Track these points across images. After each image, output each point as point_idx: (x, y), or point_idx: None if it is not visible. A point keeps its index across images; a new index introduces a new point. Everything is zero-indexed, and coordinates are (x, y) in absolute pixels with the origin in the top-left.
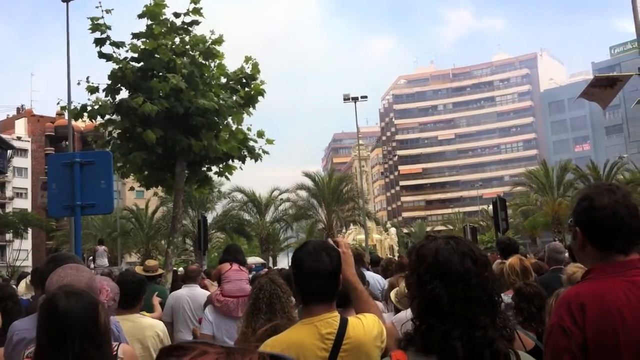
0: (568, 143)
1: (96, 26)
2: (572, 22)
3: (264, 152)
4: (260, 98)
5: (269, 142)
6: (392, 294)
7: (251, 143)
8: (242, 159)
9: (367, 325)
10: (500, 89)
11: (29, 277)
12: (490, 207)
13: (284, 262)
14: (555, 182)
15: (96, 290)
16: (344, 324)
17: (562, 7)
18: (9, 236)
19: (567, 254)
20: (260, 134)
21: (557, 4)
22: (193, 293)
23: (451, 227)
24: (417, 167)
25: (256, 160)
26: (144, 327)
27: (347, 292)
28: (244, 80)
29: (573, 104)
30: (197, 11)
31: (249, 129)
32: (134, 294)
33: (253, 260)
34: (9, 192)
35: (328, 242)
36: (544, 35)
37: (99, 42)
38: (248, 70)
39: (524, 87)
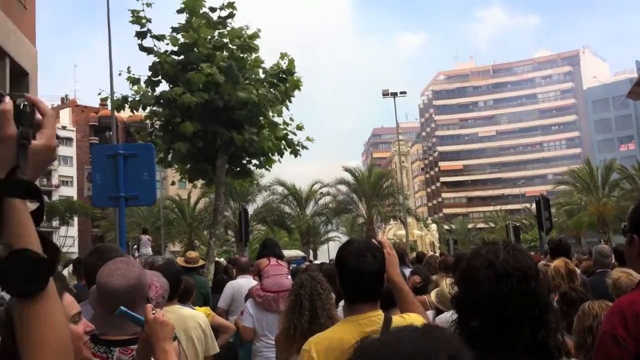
0: (613, 142)
1: (137, 19)
2: (615, 19)
3: (303, 147)
4: (297, 92)
5: (309, 139)
6: (433, 294)
7: (290, 136)
8: (281, 153)
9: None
10: (542, 86)
11: (71, 266)
12: (533, 205)
13: (324, 255)
14: (600, 182)
15: (146, 285)
16: (387, 322)
17: (604, 4)
18: (55, 223)
19: (613, 258)
20: (300, 127)
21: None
22: (251, 283)
23: (493, 225)
24: (457, 164)
25: (295, 156)
26: (186, 317)
27: (390, 293)
28: (282, 75)
29: (618, 102)
30: (230, 5)
31: (291, 119)
32: (173, 286)
33: (293, 253)
34: (55, 180)
35: (372, 241)
36: (586, 32)
37: (140, 35)
38: (284, 67)
39: (566, 85)
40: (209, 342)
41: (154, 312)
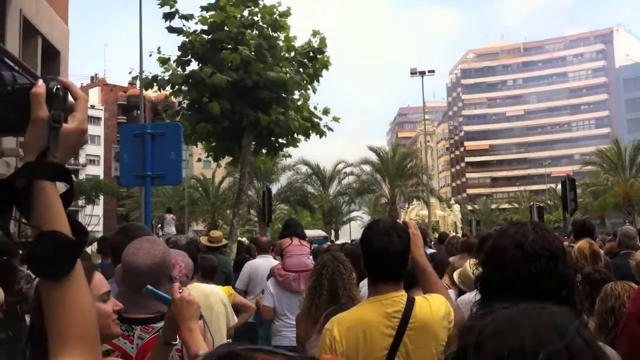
0: None
1: (165, 0)
2: None
3: (328, 128)
4: (324, 72)
5: (335, 119)
6: (456, 275)
7: (316, 119)
8: (307, 135)
9: (434, 306)
10: (573, 65)
11: (95, 244)
12: (559, 186)
13: (346, 235)
14: (627, 162)
15: (170, 264)
16: (410, 303)
17: None
18: (81, 202)
19: (638, 239)
20: (326, 111)
21: None
22: (270, 263)
23: (517, 205)
24: (483, 144)
25: (321, 137)
26: (207, 294)
27: (413, 273)
28: (312, 54)
29: None
30: None
31: (315, 107)
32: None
33: (315, 233)
34: (82, 159)
35: (397, 222)
36: (621, 9)
37: (168, 16)
38: (315, 44)
39: (598, 63)
40: (229, 315)
41: (180, 291)
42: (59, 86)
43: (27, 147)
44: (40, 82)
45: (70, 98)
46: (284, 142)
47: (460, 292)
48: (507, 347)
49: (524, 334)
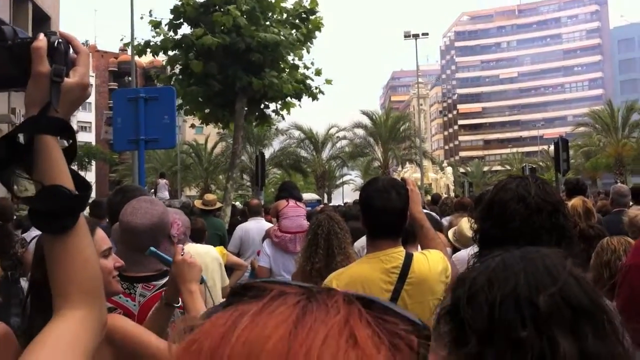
0: (636, 83)
1: None
2: None
3: (320, 91)
4: (317, 33)
5: (328, 82)
6: (450, 233)
7: (309, 81)
8: (299, 97)
9: (432, 261)
10: (567, 26)
11: (86, 210)
12: (551, 147)
13: (338, 198)
14: (620, 123)
15: (168, 224)
16: (408, 258)
17: None
18: (74, 168)
19: (630, 197)
20: (318, 72)
21: None
22: (261, 226)
23: (509, 168)
24: (476, 106)
25: (313, 99)
26: (202, 254)
27: (410, 229)
28: (304, 15)
29: None
30: None
31: (312, 63)
32: None
33: (309, 196)
34: (74, 126)
35: (396, 179)
36: None
37: None
38: (307, 4)
39: (592, 24)
40: (223, 275)
41: (182, 253)
42: (60, 40)
43: (29, 102)
44: (42, 36)
45: (71, 52)
46: (278, 106)
47: (455, 250)
48: (499, 296)
49: (517, 280)
